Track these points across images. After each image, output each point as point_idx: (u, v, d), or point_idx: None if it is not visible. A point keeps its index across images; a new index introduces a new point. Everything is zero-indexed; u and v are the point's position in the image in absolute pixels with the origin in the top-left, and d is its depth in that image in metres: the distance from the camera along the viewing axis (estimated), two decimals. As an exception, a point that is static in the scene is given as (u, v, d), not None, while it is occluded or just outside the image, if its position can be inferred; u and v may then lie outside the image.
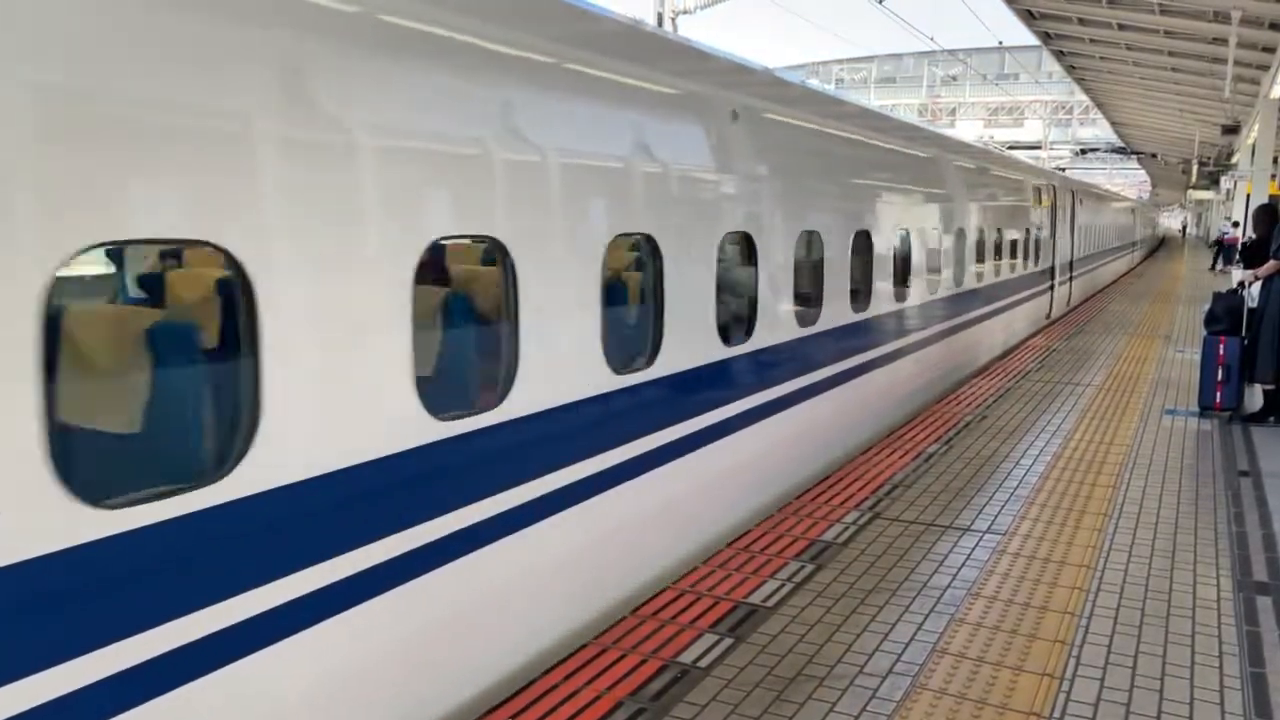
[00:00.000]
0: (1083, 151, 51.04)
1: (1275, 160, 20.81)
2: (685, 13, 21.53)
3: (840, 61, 68.16)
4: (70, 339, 2.77)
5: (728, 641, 4.33)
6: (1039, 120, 55.57)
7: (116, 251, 3.43)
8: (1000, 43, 41.07)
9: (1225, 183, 31.41)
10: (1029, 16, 19.79)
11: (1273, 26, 16.08)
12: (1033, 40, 23.12)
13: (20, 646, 2.35)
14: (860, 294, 7.78)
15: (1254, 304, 9.08)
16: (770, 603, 4.75)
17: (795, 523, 5.88)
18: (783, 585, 4.96)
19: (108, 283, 3.73)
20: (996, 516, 6.08)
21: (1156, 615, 4.68)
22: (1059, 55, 24.52)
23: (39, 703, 2.37)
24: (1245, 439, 8.36)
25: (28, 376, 2.33)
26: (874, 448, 7.76)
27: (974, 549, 5.51)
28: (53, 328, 2.41)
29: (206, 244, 2.77)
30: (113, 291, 3.75)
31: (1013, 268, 13.83)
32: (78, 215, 2.44)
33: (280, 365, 2.92)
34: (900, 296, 8.93)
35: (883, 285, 8.35)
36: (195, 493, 2.73)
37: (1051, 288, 17.39)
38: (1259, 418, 9.05)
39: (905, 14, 25.21)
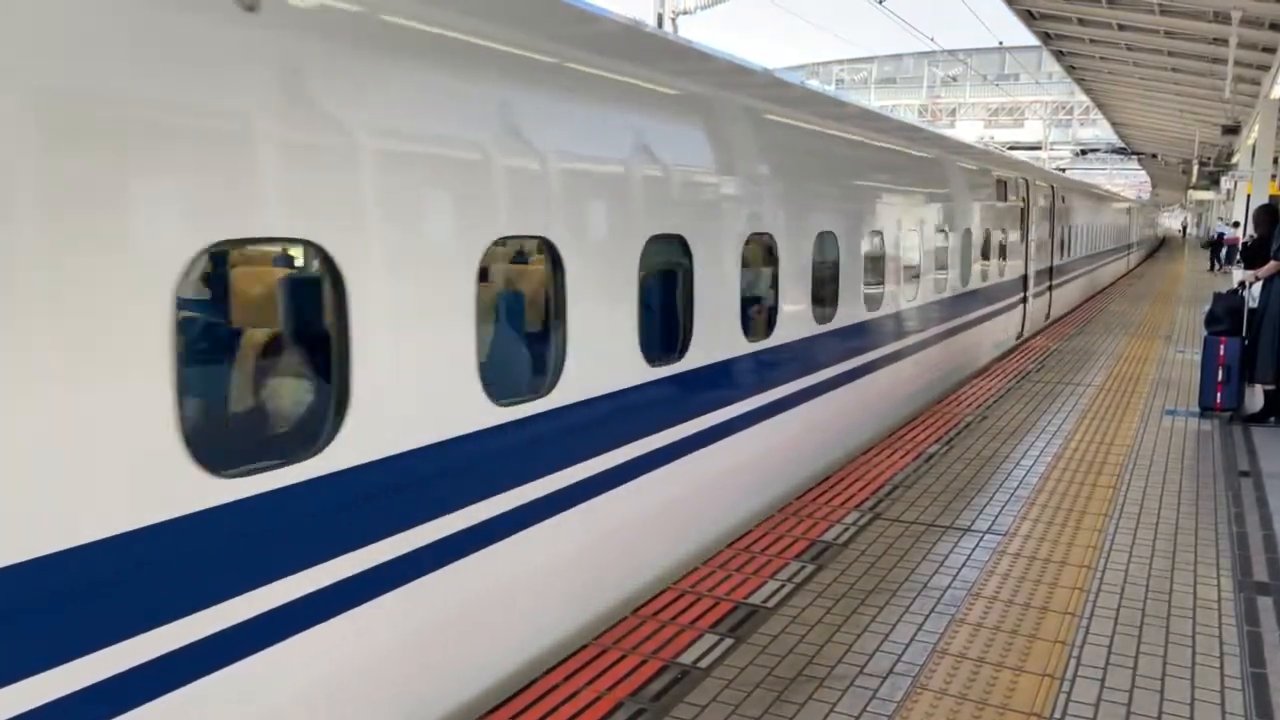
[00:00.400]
0: (1083, 152, 50.99)
1: (1276, 160, 20.80)
2: (685, 13, 21.52)
3: (840, 62, 68.16)
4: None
5: (728, 642, 4.33)
6: (1039, 121, 55.52)
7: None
8: (1000, 43, 41.04)
9: (1225, 183, 31.41)
10: (1029, 17, 19.77)
11: (1273, 27, 16.07)
12: (1033, 41, 23.10)
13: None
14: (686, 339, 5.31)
15: (1254, 304, 9.08)
16: (771, 603, 4.75)
17: (795, 523, 5.88)
18: (783, 586, 4.96)
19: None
20: (997, 517, 6.08)
21: (1157, 616, 4.68)
22: (1059, 55, 24.50)
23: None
24: (1246, 439, 8.36)
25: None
26: (874, 448, 7.76)
27: (974, 549, 5.51)
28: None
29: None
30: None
31: (964, 280, 10.99)
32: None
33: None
34: (772, 331, 6.21)
35: (725, 322, 5.64)
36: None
37: (1024, 300, 14.70)
38: (1259, 418, 9.05)
39: (905, 14, 25.24)
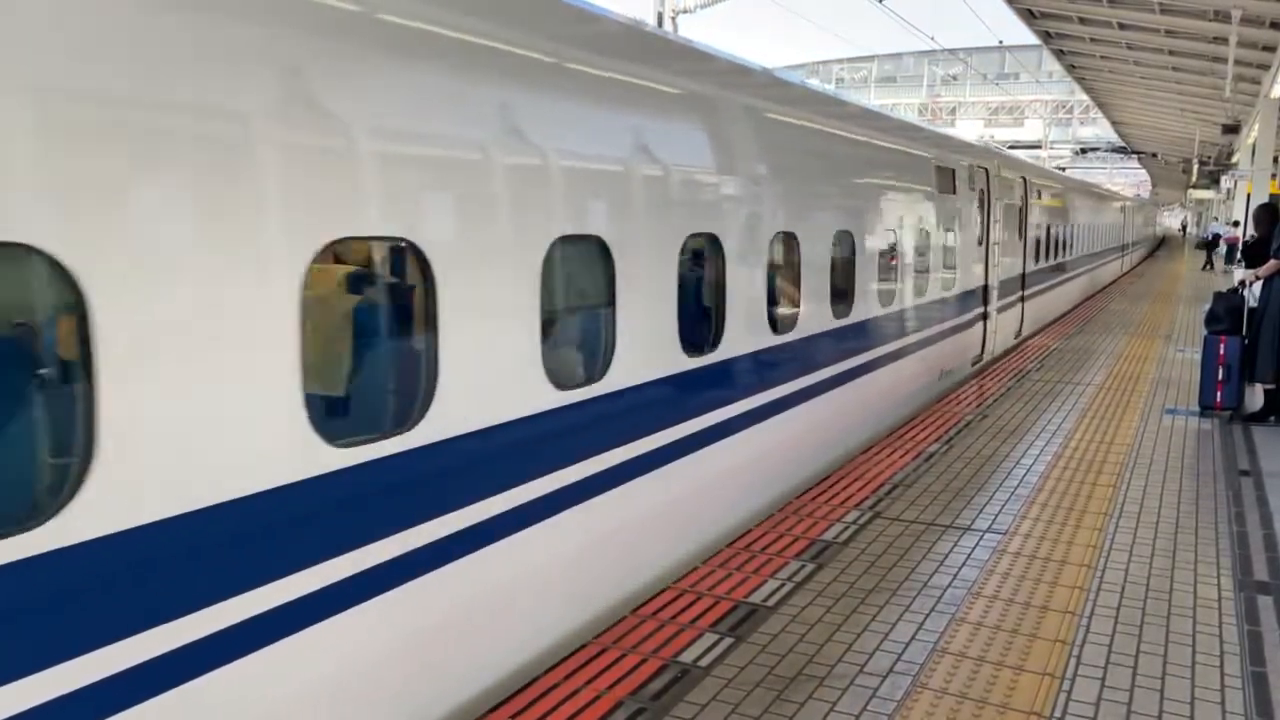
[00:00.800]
0: (1083, 151, 51.02)
1: (1276, 159, 20.80)
2: (685, 12, 21.52)
3: (840, 61, 68.15)
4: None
5: (728, 641, 4.33)
6: (1039, 120, 55.56)
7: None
8: (1001, 42, 41.10)
9: (1225, 182, 31.44)
10: (1029, 16, 19.79)
11: (1273, 25, 16.09)
12: (1033, 40, 23.14)
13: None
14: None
15: (1255, 303, 9.08)
16: (771, 602, 4.75)
17: (795, 522, 5.88)
18: (783, 585, 4.96)
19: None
20: (997, 516, 6.08)
21: (1157, 615, 4.67)
22: (1059, 54, 24.54)
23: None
24: (1246, 438, 8.35)
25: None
26: (874, 447, 7.76)
27: (974, 548, 5.51)
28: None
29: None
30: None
31: (894, 297, 8.54)
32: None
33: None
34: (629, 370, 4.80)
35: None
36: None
37: (984, 316, 12.08)
38: (1259, 417, 9.04)
39: (905, 13, 25.22)
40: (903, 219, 8.80)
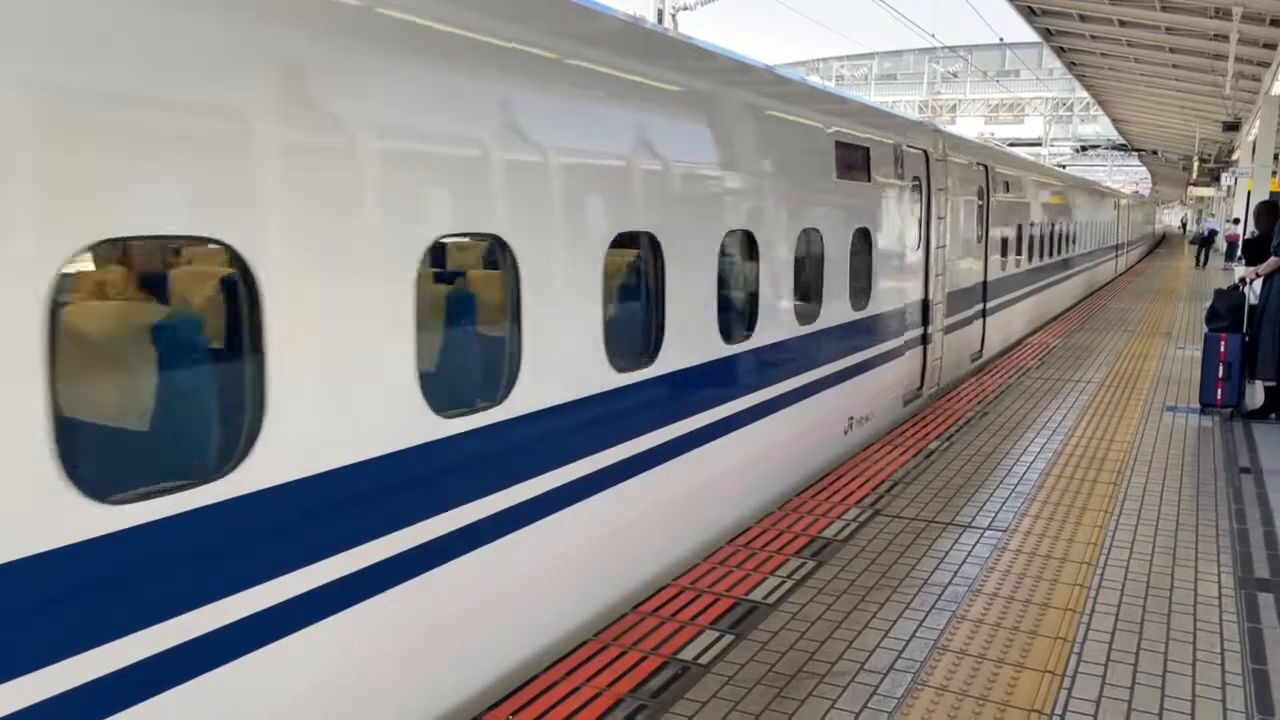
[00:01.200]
0: (1083, 148, 51.02)
1: (1276, 157, 20.78)
2: (685, 8, 21.49)
3: (841, 58, 68.09)
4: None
5: (728, 638, 4.33)
6: (1040, 117, 55.56)
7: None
8: (1001, 39, 41.03)
9: (1226, 179, 31.42)
10: (1030, 13, 19.76)
11: (1274, 23, 16.06)
12: (1034, 37, 23.09)
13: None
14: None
15: (1255, 301, 9.07)
16: (771, 599, 4.75)
17: (796, 519, 5.88)
18: (784, 582, 4.96)
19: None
20: (998, 513, 6.08)
21: (1158, 612, 4.67)
22: (1060, 52, 24.49)
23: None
24: (1246, 436, 8.35)
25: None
26: (874, 444, 7.76)
27: (975, 546, 5.50)
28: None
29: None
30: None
31: (751, 327, 5.99)
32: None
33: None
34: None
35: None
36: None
37: (923, 339, 9.43)
38: (1260, 414, 9.04)
39: (906, 10, 25.19)
40: (768, 217, 6.11)
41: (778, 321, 6.33)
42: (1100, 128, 51.44)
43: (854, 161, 7.45)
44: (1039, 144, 50.08)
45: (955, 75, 58.31)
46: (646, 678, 3.97)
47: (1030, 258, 14.90)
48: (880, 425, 8.46)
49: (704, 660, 4.12)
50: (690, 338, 5.31)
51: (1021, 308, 14.72)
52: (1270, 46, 17.30)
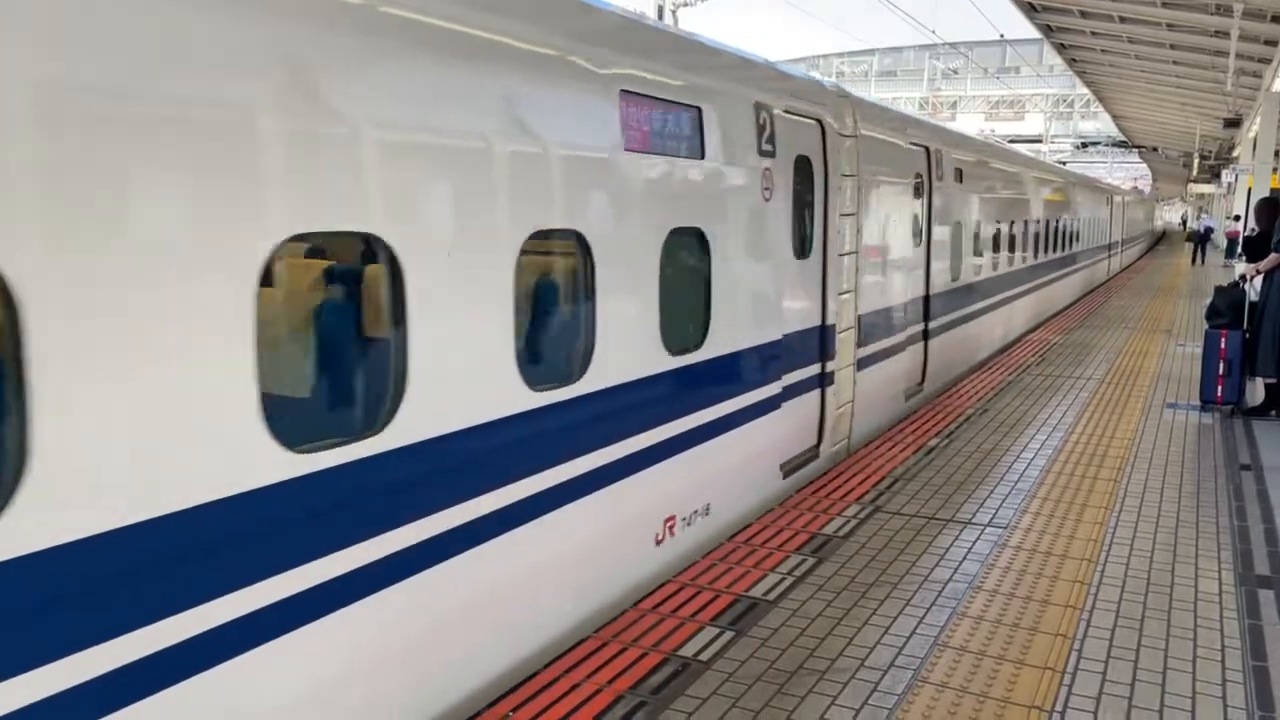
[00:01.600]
0: (1084, 145, 51.00)
1: (1277, 154, 20.77)
2: (686, 4, 21.47)
3: (841, 55, 68.00)
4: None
5: (729, 635, 4.33)
6: (1040, 114, 55.43)
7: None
8: (1001, 36, 40.96)
9: (1226, 176, 31.37)
10: (1030, 9, 19.73)
11: (1275, 19, 16.03)
12: (1034, 33, 23.08)
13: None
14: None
15: (1255, 298, 9.07)
16: (771, 596, 4.74)
17: (796, 516, 5.88)
18: (784, 579, 4.96)
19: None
20: (998, 510, 6.07)
21: (1158, 609, 4.67)
22: (1060, 48, 24.47)
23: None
24: (1247, 433, 8.35)
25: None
26: (875, 441, 7.75)
27: (975, 543, 5.50)
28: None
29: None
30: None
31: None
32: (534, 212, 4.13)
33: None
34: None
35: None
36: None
37: (821, 382, 7.06)
38: (1260, 411, 9.04)
39: (906, 7, 25.17)
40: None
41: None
42: (1101, 124, 51.37)
43: (666, 127, 5.07)
44: (1039, 140, 50.03)
45: (955, 72, 58.21)
46: (646, 674, 3.97)
47: (995, 264, 12.51)
48: (740, 512, 6.02)
49: (704, 657, 4.12)
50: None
51: (983, 324, 12.23)
52: (1271, 43, 17.27)
